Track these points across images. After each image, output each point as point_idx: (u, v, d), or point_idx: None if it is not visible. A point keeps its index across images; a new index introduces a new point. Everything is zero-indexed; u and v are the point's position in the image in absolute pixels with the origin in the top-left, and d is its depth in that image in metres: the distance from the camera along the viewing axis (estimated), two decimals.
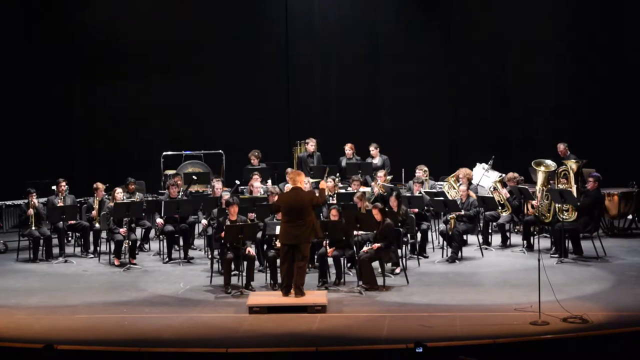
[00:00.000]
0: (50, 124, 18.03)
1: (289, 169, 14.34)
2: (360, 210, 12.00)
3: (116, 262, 13.00)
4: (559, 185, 13.00)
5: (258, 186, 13.84)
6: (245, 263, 11.26)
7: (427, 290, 11.20)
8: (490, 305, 10.34)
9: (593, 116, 17.17)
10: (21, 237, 13.55)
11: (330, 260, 11.56)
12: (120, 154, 17.74)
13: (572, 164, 13.14)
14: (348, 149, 15.55)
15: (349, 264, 11.90)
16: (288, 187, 12.80)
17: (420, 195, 13.40)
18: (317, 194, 10.96)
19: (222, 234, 11.24)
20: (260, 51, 18.07)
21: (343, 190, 13.91)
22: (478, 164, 15.22)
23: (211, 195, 13.81)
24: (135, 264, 12.86)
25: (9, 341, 9.12)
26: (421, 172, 14.13)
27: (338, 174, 14.62)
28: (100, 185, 14.04)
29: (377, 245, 11.19)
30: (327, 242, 11.36)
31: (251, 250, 11.33)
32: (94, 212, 13.92)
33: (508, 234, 13.84)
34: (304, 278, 10.60)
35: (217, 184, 13.77)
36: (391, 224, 11.34)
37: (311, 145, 15.94)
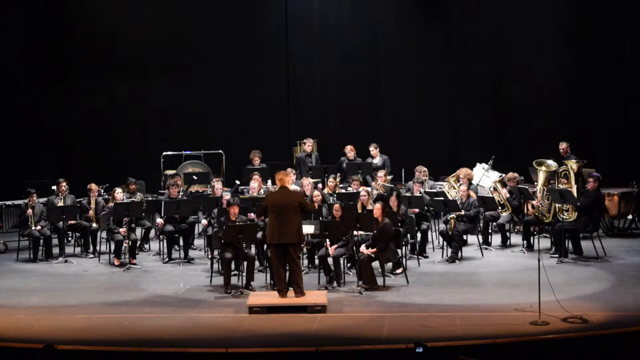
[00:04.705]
0: (50, 124, 18.04)
1: (289, 169, 14.35)
2: (364, 207, 12.05)
3: (116, 262, 13.01)
4: (559, 185, 13.00)
5: (254, 187, 13.84)
6: (245, 263, 11.27)
7: (427, 290, 11.20)
8: (490, 305, 10.33)
9: (593, 116, 17.16)
10: (21, 237, 13.55)
11: (329, 260, 11.55)
12: (120, 154, 17.74)
13: (572, 164, 13.15)
14: (348, 150, 15.54)
15: (349, 264, 11.91)
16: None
17: (420, 195, 13.41)
18: (305, 197, 10.99)
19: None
20: (260, 51, 18.08)
21: (343, 190, 13.93)
22: (478, 164, 15.22)
23: (211, 195, 13.80)
24: (135, 264, 12.87)
25: (9, 341, 9.12)
26: (420, 173, 14.15)
27: (339, 174, 14.65)
28: (93, 186, 14.04)
29: (371, 250, 11.20)
30: (329, 242, 11.38)
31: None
32: (91, 212, 13.92)
33: (508, 234, 13.83)
34: (301, 277, 10.61)
35: (217, 184, 13.77)
36: (390, 224, 11.33)
37: (308, 145, 15.95)
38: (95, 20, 18.05)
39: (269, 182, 14.94)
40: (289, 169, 14.29)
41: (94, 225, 13.81)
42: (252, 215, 12.42)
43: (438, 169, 15.74)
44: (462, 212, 13.00)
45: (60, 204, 13.69)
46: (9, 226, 14.65)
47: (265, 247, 11.91)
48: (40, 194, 13.98)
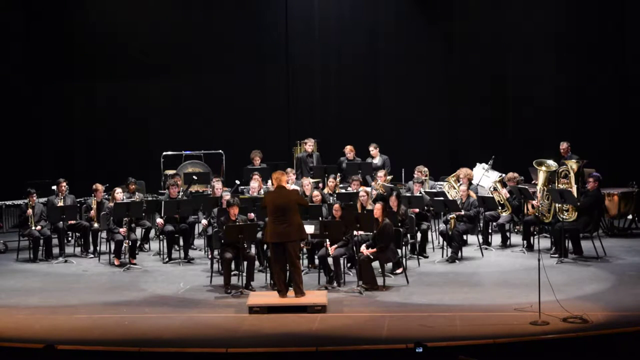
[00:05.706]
0: (50, 124, 18.03)
1: (288, 169, 14.36)
2: (364, 207, 12.07)
3: (116, 262, 13.01)
4: (559, 185, 13.00)
5: (254, 186, 13.84)
6: (245, 263, 11.27)
7: (427, 290, 11.20)
8: (490, 305, 10.33)
9: (593, 116, 17.16)
10: (21, 237, 13.55)
11: (329, 260, 11.55)
12: (120, 154, 17.74)
13: (572, 164, 13.14)
14: (348, 151, 15.54)
15: (349, 264, 11.91)
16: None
17: (420, 195, 13.41)
18: (305, 197, 11.00)
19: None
20: (260, 51, 18.08)
21: (343, 190, 13.94)
22: (478, 164, 15.22)
23: (211, 195, 13.81)
24: (135, 264, 12.87)
25: (9, 341, 9.13)
26: (420, 172, 14.15)
27: (339, 174, 14.65)
28: (99, 186, 14.05)
29: (370, 250, 11.20)
30: (328, 242, 11.38)
31: None
32: (92, 212, 13.92)
33: (508, 234, 13.84)
34: (301, 277, 10.60)
35: (217, 184, 13.76)
36: (390, 224, 11.33)
37: (309, 145, 15.94)
38: (95, 20, 18.05)
39: (269, 182, 14.93)
40: (289, 169, 14.31)
41: (95, 225, 13.81)
42: (252, 215, 12.43)
43: (438, 169, 15.74)
44: (462, 212, 13.00)
45: (60, 204, 13.69)
46: (9, 226, 14.65)
47: (265, 247, 11.92)
48: (40, 194, 13.97)
